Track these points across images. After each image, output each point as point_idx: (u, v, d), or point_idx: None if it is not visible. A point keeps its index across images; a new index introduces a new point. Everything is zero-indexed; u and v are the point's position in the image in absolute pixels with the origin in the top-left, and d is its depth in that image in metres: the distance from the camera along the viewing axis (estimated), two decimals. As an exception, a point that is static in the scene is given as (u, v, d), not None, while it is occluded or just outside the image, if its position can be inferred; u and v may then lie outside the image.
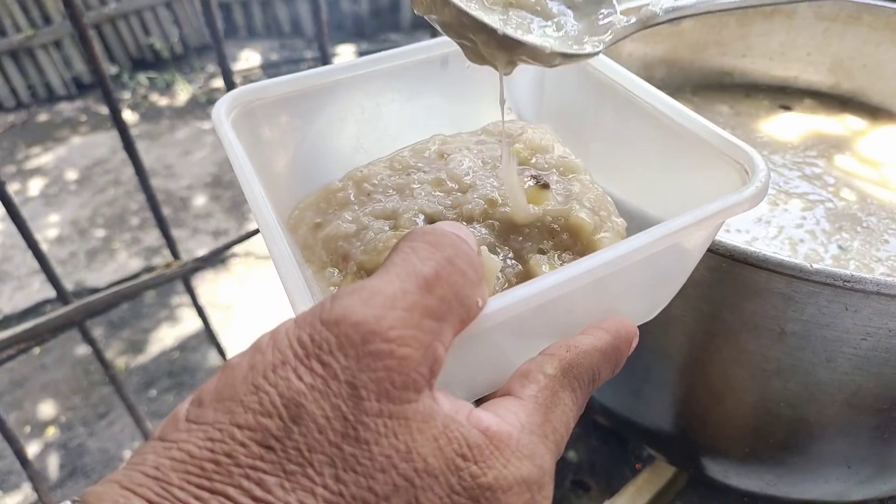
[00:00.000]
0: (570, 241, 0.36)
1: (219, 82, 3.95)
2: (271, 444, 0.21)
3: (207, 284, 2.38)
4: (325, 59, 0.96)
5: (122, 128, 0.86)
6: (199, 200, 2.92)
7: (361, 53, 4.11)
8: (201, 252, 1.02)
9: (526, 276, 0.35)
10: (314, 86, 0.42)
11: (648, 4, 0.38)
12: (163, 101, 3.81)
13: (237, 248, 2.49)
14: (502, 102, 0.38)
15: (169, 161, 3.20)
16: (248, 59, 4.18)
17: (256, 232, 1.07)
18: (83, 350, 2.13)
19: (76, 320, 0.88)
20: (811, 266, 0.45)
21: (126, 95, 3.85)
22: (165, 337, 2.19)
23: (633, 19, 0.37)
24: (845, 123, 0.86)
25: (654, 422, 0.69)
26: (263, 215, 0.32)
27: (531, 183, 0.38)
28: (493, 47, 0.34)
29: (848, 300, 0.46)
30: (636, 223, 0.39)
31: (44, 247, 0.85)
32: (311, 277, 0.37)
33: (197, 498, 0.20)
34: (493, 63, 0.36)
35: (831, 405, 0.53)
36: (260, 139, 0.41)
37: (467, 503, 0.23)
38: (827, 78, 0.92)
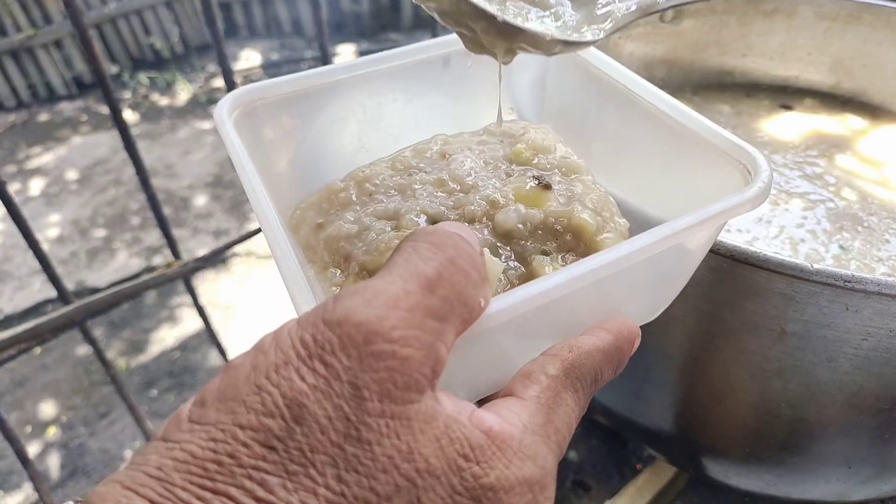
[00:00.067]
0: (572, 242, 0.36)
1: (219, 82, 3.95)
2: (274, 445, 0.21)
3: (208, 284, 2.38)
4: (325, 58, 0.96)
5: (122, 127, 0.86)
6: (200, 200, 2.92)
7: (362, 53, 4.11)
8: (202, 252, 1.02)
9: (529, 277, 0.35)
10: (316, 85, 0.42)
11: None
12: (163, 101, 3.81)
13: (238, 248, 2.49)
14: (500, 93, 0.38)
15: (170, 161, 3.20)
16: (248, 58, 4.18)
17: (257, 232, 1.07)
18: (84, 350, 2.13)
19: (77, 320, 0.88)
20: (812, 266, 0.45)
21: (127, 95, 3.85)
22: (166, 337, 2.19)
23: (634, 7, 0.37)
24: (846, 123, 0.86)
25: (655, 422, 0.69)
26: (266, 216, 0.32)
27: (533, 184, 0.38)
28: (492, 35, 0.34)
29: (849, 300, 0.46)
30: (638, 223, 0.39)
31: (45, 246, 0.85)
32: (314, 278, 0.37)
33: (199, 498, 0.20)
34: (492, 51, 0.36)
35: (832, 405, 0.53)
36: (262, 139, 0.41)
37: (469, 503, 0.23)
38: (828, 77, 0.92)
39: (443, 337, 0.24)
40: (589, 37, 0.36)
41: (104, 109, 3.69)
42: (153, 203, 0.95)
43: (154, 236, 2.69)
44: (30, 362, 2.11)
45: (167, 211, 2.74)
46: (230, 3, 4.29)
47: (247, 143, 0.37)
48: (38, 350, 2.11)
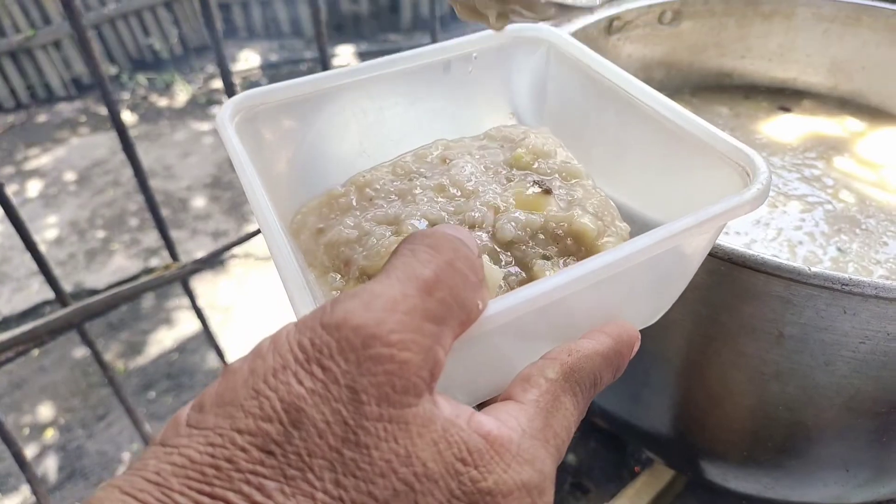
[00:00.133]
0: (573, 246, 0.36)
1: (218, 83, 3.95)
2: (272, 449, 0.21)
3: (206, 286, 2.38)
4: (323, 59, 0.96)
5: (121, 129, 0.86)
6: (199, 201, 2.92)
7: (361, 54, 4.12)
8: (200, 253, 1.02)
9: (530, 282, 0.35)
10: (317, 90, 0.42)
11: None
12: (162, 102, 3.81)
13: (236, 250, 2.49)
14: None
15: (168, 162, 3.20)
16: (247, 59, 4.18)
17: (255, 233, 1.07)
18: (82, 352, 2.13)
19: (75, 322, 0.88)
20: (809, 269, 0.45)
21: (125, 96, 3.85)
22: (164, 339, 2.19)
23: None
24: (844, 125, 0.86)
25: (653, 425, 0.69)
26: (267, 220, 0.32)
27: (534, 189, 0.38)
28: None
29: (846, 303, 0.46)
30: (638, 227, 0.39)
31: (43, 248, 0.85)
32: (314, 282, 0.37)
33: (197, 503, 0.20)
34: (484, 15, 0.35)
35: (829, 409, 0.53)
36: (263, 143, 0.41)
37: None
38: (826, 79, 0.92)
39: (441, 340, 0.24)
40: (584, 2, 0.35)
41: (103, 110, 3.69)
42: (151, 205, 0.95)
43: (152, 237, 2.68)
44: (27, 364, 2.10)
45: (165, 212, 2.74)
46: (229, 3, 4.29)
47: (248, 147, 0.37)
48: (35, 352, 2.11)
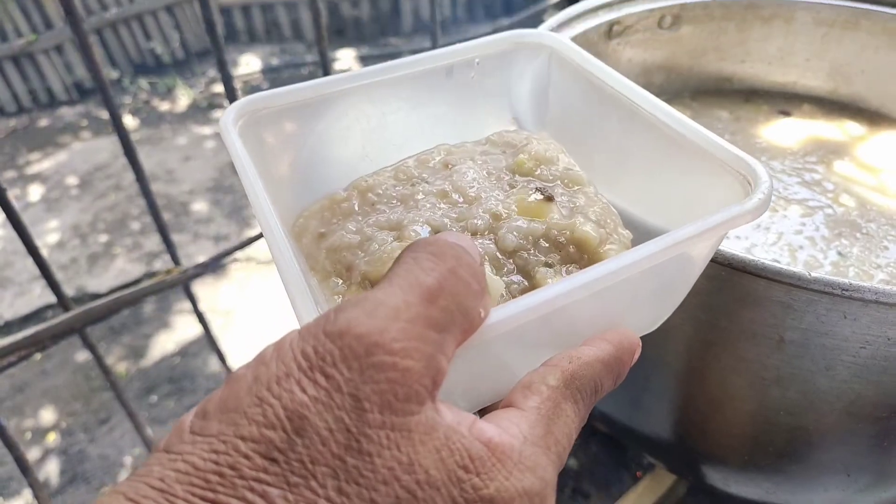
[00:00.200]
0: (576, 254, 0.36)
1: (220, 87, 3.96)
2: (275, 456, 0.21)
3: (207, 289, 2.38)
4: (324, 63, 0.96)
5: (122, 133, 0.86)
6: (200, 205, 2.92)
7: (362, 58, 4.12)
8: (202, 257, 1.03)
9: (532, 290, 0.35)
10: (320, 95, 0.42)
11: None
12: (164, 106, 3.82)
13: (238, 254, 2.50)
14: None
15: (170, 166, 3.20)
16: (248, 63, 4.19)
17: (257, 238, 1.07)
18: (84, 356, 2.13)
19: (77, 327, 0.88)
20: (809, 274, 0.45)
21: (127, 100, 3.86)
22: (166, 342, 2.19)
23: None
24: (844, 129, 0.87)
25: (654, 429, 0.69)
26: (269, 224, 0.33)
27: (536, 196, 0.38)
28: None
29: (846, 308, 0.46)
30: (639, 234, 0.39)
31: (45, 252, 0.86)
32: (316, 286, 0.37)
33: None
34: None
35: (830, 413, 0.53)
36: (266, 147, 0.41)
37: None
38: (826, 83, 0.92)
39: (443, 348, 0.24)
40: None
41: (105, 115, 3.70)
42: (153, 210, 0.95)
43: (154, 241, 2.69)
44: (29, 368, 2.11)
45: (167, 216, 2.74)
46: (230, 8, 4.30)
47: (251, 152, 0.37)
48: (37, 356, 2.11)
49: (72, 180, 3.15)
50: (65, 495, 1.71)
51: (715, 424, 0.62)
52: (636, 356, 0.33)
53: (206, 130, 3.52)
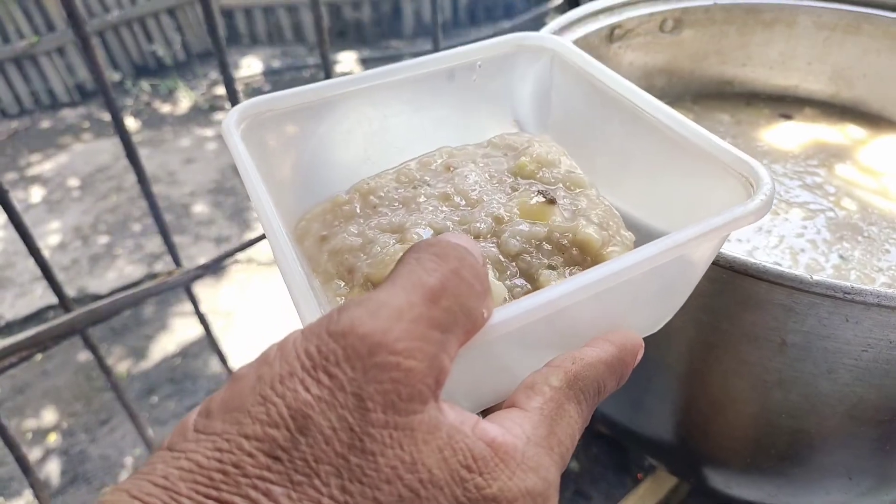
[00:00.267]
0: (579, 256, 0.36)
1: (221, 89, 3.96)
2: (278, 455, 0.21)
3: (208, 291, 2.38)
4: (326, 66, 0.96)
5: (124, 135, 0.87)
6: (201, 207, 2.92)
7: (363, 60, 4.13)
8: (203, 258, 1.03)
9: None
10: (323, 98, 0.42)
11: None
12: (165, 108, 3.82)
13: (238, 255, 2.50)
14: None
15: (171, 168, 3.20)
16: (250, 65, 4.19)
17: (258, 240, 1.07)
18: (85, 356, 2.13)
19: (78, 328, 0.88)
20: (811, 277, 0.45)
21: (128, 102, 3.86)
22: (167, 343, 2.19)
23: None
24: (846, 132, 0.87)
25: (656, 431, 0.69)
26: (272, 226, 0.33)
27: (538, 199, 0.38)
28: None
29: (848, 312, 0.46)
30: (641, 236, 0.39)
31: (46, 253, 0.86)
32: (318, 288, 0.37)
33: None
34: None
35: (832, 416, 0.53)
36: (269, 150, 0.41)
37: None
38: (827, 87, 0.92)
39: (446, 348, 0.24)
40: None
41: (106, 116, 3.70)
42: (155, 212, 0.96)
43: (155, 243, 2.69)
44: (30, 368, 2.10)
45: (168, 218, 2.74)
46: (232, 10, 4.30)
47: (254, 154, 0.37)
48: (38, 356, 2.11)
49: (73, 182, 3.15)
50: (65, 496, 1.71)
51: (717, 427, 0.62)
52: (639, 357, 0.33)
53: (208, 132, 3.52)
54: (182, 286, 1.00)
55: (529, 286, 0.35)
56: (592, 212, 0.39)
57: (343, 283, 0.37)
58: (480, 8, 4.43)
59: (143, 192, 0.93)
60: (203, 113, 3.73)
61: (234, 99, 0.92)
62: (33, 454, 1.82)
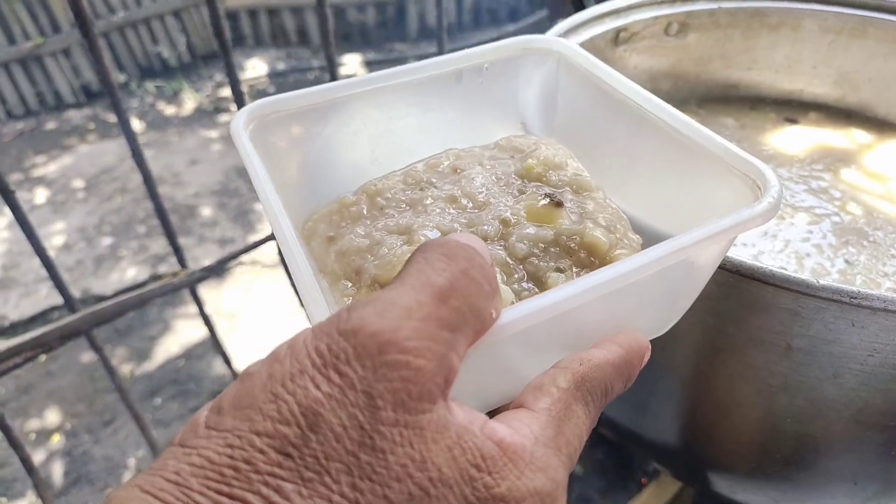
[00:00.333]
0: (587, 259, 0.37)
1: (226, 91, 3.98)
2: (289, 452, 0.21)
3: (212, 292, 2.39)
4: (331, 68, 0.96)
5: (130, 136, 0.87)
6: (206, 209, 2.93)
7: (367, 62, 4.13)
8: (207, 260, 1.03)
9: None
10: (330, 99, 0.42)
11: None
12: (170, 110, 3.83)
13: (243, 257, 2.50)
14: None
15: (176, 169, 3.21)
16: (254, 67, 4.21)
17: (264, 241, 1.07)
18: (89, 357, 2.13)
19: (84, 328, 0.88)
20: (818, 282, 0.45)
21: (134, 103, 3.88)
22: (170, 345, 2.19)
23: None
24: (851, 137, 0.87)
25: (660, 435, 0.69)
26: (281, 227, 0.33)
27: (545, 201, 0.38)
28: None
29: (854, 316, 0.46)
30: (648, 238, 0.39)
31: (51, 254, 0.86)
32: (326, 289, 0.37)
33: (216, 503, 0.20)
34: None
35: (838, 421, 0.53)
36: (277, 151, 0.42)
37: None
38: (833, 91, 0.92)
39: (455, 347, 0.24)
40: None
41: (111, 118, 3.71)
42: (161, 212, 0.96)
43: (160, 244, 2.69)
44: (35, 369, 2.11)
45: (173, 219, 2.74)
46: (237, 12, 4.32)
47: (262, 155, 0.37)
48: (43, 357, 2.12)
49: (78, 183, 3.16)
50: (69, 496, 1.71)
51: (722, 431, 0.62)
52: (646, 359, 0.33)
53: (212, 134, 3.53)
54: (187, 287, 1.00)
55: (537, 290, 0.35)
56: (600, 215, 0.39)
57: (350, 284, 0.37)
58: (484, 11, 4.44)
59: (148, 194, 0.93)
60: (207, 115, 3.74)
61: (239, 101, 0.92)
62: (37, 455, 1.82)
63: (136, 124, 3.63)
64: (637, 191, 0.44)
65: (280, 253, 1.13)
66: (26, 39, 3.66)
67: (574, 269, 0.36)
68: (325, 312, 0.28)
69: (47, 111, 3.84)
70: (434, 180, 0.42)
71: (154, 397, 1.99)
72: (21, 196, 2.93)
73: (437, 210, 0.39)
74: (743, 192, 0.36)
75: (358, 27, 4.39)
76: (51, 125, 3.71)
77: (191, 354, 2.14)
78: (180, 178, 3.14)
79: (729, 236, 0.33)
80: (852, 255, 0.66)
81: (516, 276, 0.36)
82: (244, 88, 0.92)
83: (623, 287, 0.30)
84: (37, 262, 0.84)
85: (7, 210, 0.78)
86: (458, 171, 0.42)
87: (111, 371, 1.02)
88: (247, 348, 2.03)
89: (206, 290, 2.37)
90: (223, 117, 3.69)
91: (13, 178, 3.20)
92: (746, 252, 0.66)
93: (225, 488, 0.21)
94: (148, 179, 0.91)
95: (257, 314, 2.27)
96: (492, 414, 0.28)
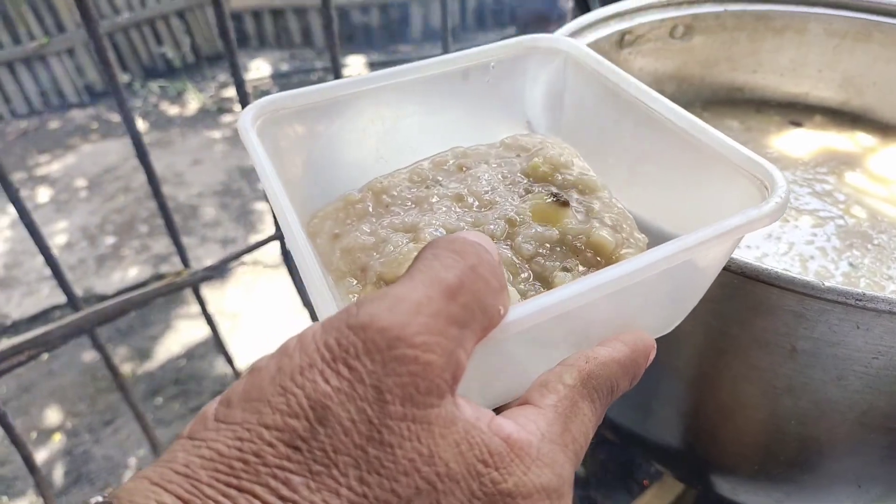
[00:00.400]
0: (593, 258, 0.37)
1: (229, 92, 3.99)
2: (298, 445, 0.21)
3: (214, 292, 2.39)
4: (336, 69, 0.97)
5: (135, 136, 0.87)
6: (208, 209, 2.93)
7: (371, 64, 4.14)
8: (209, 260, 1.03)
9: None
10: (337, 96, 0.42)
11: None
12: (173, 110, 3.84)
13: (245, 257, 2.50)
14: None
15: (178, 169, 3.22)
16: (258, 68, 4.22)
17: (266, 242, 1.08)
18: (90, 356, 2.13)
19: (86, 327, 0.88)
20: (823, 284, 0.45)
21: (137, 103, 3.89)
22: (172, 345, 2.20)
23: None
24: (856, 140, 0.86)
25: (663, 437, 0.69)
26: (288, 222, 0.33)
27: (551, 201, 0.38)
28: None
29: (859, 318, 0.46)
30: (653, 239, 0.39)
31: (53, 253, 0.86)
32: (332, 285, 0.37)
33: (225, 495, 0.20)
34: None
35: (842, 423, 0.53)
36: (283, 147, 0.42)
37: None
38: (837, 94, 0.92)
39: (463, 343, 0.24)
40: None
41: (114, 117, 3.72)
42: (165, 212, 0.96)
43: (162, 244, 2.70)
44: (36, 368, 2.11)
45: (176, 219, 2.75)
46: (241, 13, 4.33)
47: (269, 151, 0.37)
48: (44, 356, 2.12)
49: (81, 182, 3.17)
50: (69, 496, 1.71)
51: (725, 433, 0.62)
52: (651, 358, 0.33)
53: (216, 134, 3.54)
54: (190, 287, 1.01)
55: (544, 290, 0.35)
56: (606, 214, 0.39)
57: (355, 282, 0.37)
58: (488, 13, 4.45)
59: (153, 194, 0.94)
60: (211, 115, 3.75)
61: (244, 100, 0.92)
62: (38, 454, 1.82)
63: (140, 124, 3.63)
64: (643, 191, 0.44)
65: (283, 252, 1.13)
66: (31, 39, 3.68)
67: (580, 269, 0.36)
68: (332, 308, 0.28)
69: (51, 110, 3.85)
70: (440, 178, 0.42)
71: (155, 397, 1.99)
72: (24, 194, 2.94)
73: (443, 208, 0.39)
74: (750, 193, 0.36)
75: (362, 28, 4.39)
76: (54, 124, 3.72)
77: (192, 354, 2.14)
78: (183, 178, 3.15)
79: (735, 236, 0.32)
80: (856, 258, 0.66)
81: (523, 275, 0.36)
82: (248, 89, 0.92)
83: (629, 286, 0.30)
84: (39, 261, 0.85)
85: (9, 209, 0.78)
86: (464, 169, 0.42)
87: (113, 370, 1.02)
88: (248, 348, 2.03)
89: (207, 290, 2.37)
90: (226, 118, 3.70)
91: (17, 176, 3.21)
92: (750, 254, 0.66)
93: (234, 481, 0.21)
94: (152, 179, 0.91)
95: (259, 314, 2.27)
96: (498, 411, 0.28)
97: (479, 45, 0.47)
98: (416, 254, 0.27)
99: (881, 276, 0.64)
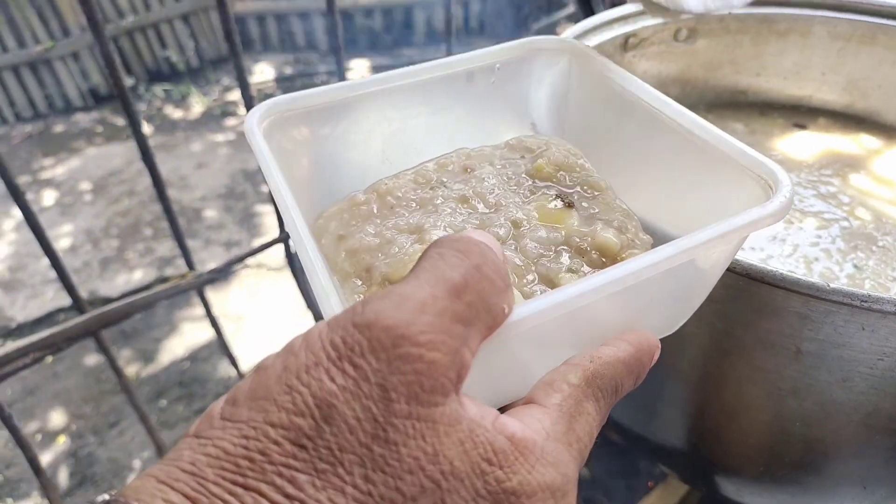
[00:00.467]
0: (598, 259, 0.37)
1: (233, 95, 4.00)
2: (304, 443, 0.21)
3: (218, 295, 2.39)
4: (340, 72, 0.97)
5: (141, 140, 0.87)
6: (212, 212, 2.94)
7: (375, 67, 4.15)
8: (213, 263, 1.03)
9: None
10: (343, 98, 0.42)
11: None
12: (177, 114, 3.85)
13: (248, 260, 2.50)
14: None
15: (183, 172, 3.23)
16: (262, 72, 4.23)
17: (270, 244, 1.08)
18: (95, 359, 2.14)
19: (91, 330, 0.89)
20: (828, 285, 0.45)
21: (142, 107, 3.90)
22: (176, 347, 2.20)
23: None
24: (860, 142, 0.86)
25: (668, 438, 0.69)
26: (295, 223, 0.33)
27: (556, 202, 0.39)
28: None
29: (864, 320, 0.46)
30: (658, 239, 0.39)
31: (58, 255, 0.86)
32: (337, 285, 0.37)
33: (231, 493, 0.21)
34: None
35: (847, 425, 0.53)
36: (290, 149, 0.42)
37: None
38: (841, 97, 0.92)
39: (468, 342, 0.24)
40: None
41: (119, 121, 3.73)
42: (169, 215, 0.96)
43: (166, 247, 2.71)
44: (41, 371, 2.12)
45: (180, 222, 2.75)
46: (245, 17, 4.34)
47: (275, 152, 0.38)
48: (49, 359, 2.12)
49: (85, 185, 3.18)
50: (74, 498, 1.72)
51: (730, 434, 0.62)
52: (655, 357, 0.33)
53: (219, 138, 3.55)
54: (195, 289, 1.01)
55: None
56: (610, 215, 0.39)
57: (360, 282, 0.37)
58: (491, 17, 4.46)
59: (158, 197, 0.94)
60: (215, 118, 3.76)
61: (249, 103, 0.93)
62: (43, 456, 1.83)
63: (144, 128, 3.64)
64: (648, 191, 0.44)
65: (287, 255, 1.13)
66: (36, 43, 3.69)
67: (585, 270, 0.36)
68: (338, 308, 0.29)
69: (56, 114, 3.87)
70: (445, 180, 0.42)
71: (159, 399, 2.00)
72: (29, 198, 2.95)
73: (448, 210, 0.39)
74: (755, 193, 0.36)
75: (365, 32, 4.41)
76: (59, 128, 3.74)
77: (196, 356, 2.15)
78: (187, 182, 3.15)
79: (740, 235, 0.32)
80: (861, 260, 0.66)
81: (528, 277, 0.36)
82: (252, 93, 0.93)
83: (633, 285, 0.30)
84: (44, 263, 0.85)
85: (14, 212, 0.79)
86: (469, 170, 0.42)
87: (118, 372, 1.02)
88: (252, 350, 2.03)
89: (211, 293, 2.38)
90: (230, 121, 3.71)
91: (22, 179, 3.22)
92: (755, 256, 0.66)
93: (240, 479, 0.21)
94: (158, 183, 0.92)
95: (263, 317, 2.27)
96: (502, 410, 0.28)
97: (482, 49, 0.47)
98: (425, 249, 0.27)
99: (886, 277, 0.64)
